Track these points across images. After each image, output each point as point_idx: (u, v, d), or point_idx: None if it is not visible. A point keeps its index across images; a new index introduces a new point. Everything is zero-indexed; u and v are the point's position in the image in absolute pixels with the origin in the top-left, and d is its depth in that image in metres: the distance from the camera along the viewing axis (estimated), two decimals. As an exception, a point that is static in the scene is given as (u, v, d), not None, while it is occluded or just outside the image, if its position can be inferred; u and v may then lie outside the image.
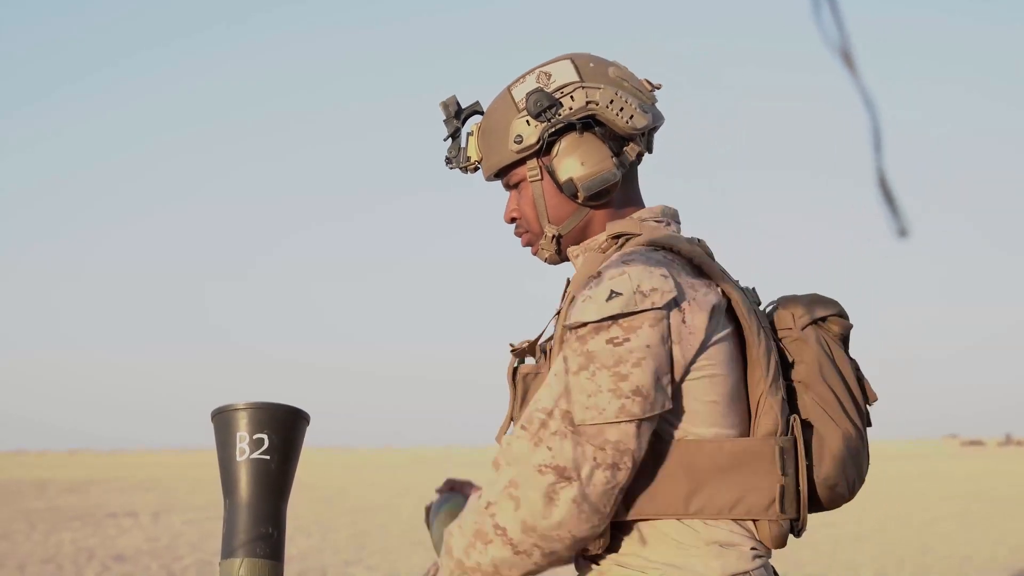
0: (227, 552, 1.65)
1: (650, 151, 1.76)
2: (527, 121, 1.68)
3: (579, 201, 1.70)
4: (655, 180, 1.81)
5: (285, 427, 1.70)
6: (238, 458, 1.68)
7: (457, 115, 1.79)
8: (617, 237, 1.67)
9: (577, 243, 1.74)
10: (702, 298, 1.57)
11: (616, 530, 1.59)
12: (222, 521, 1.70)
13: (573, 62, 1.70)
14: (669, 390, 1.54)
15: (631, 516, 1.57)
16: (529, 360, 1.76)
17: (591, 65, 1.70)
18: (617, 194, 1.72)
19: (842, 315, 1.72)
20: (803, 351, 1.69)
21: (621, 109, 1.66)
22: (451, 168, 1.80)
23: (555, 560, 1.55)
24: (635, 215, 1.72)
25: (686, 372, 1.56)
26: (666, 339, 1.54)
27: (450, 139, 1.80)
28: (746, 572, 1.58)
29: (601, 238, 1.71)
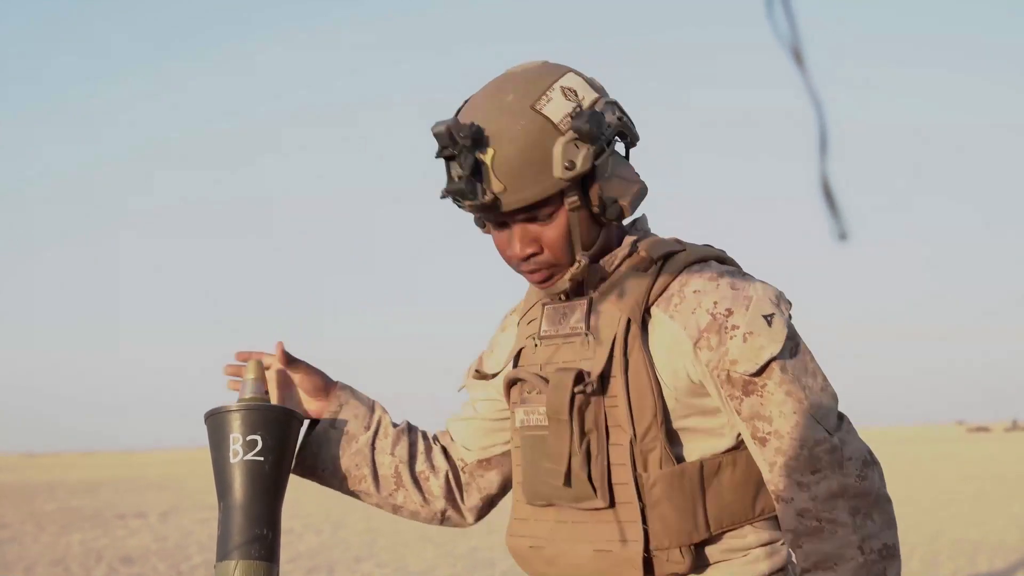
0: (222, 554, 1.65)
1: None
2: (575, 144, 1.50)
3: (614, 220, 1.57)
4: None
5: (279, 428, 1.69)
6: (232, 460, 1.67)
7: (476, 143, 1.49)
8: (663, 256, 1.60)
9: (594, 262, 1.61)
10: None
11: (699, 546, 1.58)
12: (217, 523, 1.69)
13: (578, 74, 1.56)
14: None
15: (715, 531, 1.58)
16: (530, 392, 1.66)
17: (588, 75, 1.58)
18: None
19: None
20: None
21: (628, 118, 1.59)
22: (460, 206, 1.56)
23: None
24: (642, 228, 1.67)
25: None
26: None
27: (460, 175, 1.50)
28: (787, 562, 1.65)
29: (621, 253, 1.60)
